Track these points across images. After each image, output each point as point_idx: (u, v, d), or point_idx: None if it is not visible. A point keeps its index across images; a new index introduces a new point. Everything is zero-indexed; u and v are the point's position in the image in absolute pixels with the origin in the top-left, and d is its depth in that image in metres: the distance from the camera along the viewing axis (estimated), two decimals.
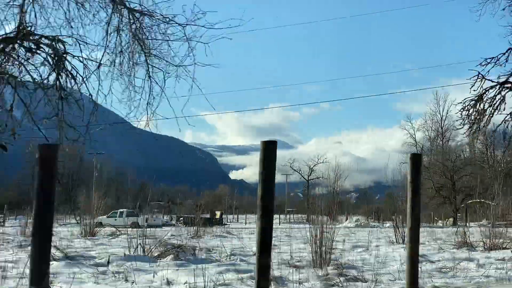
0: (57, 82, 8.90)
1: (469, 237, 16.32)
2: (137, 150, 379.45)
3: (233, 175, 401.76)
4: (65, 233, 24.18)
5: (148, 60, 9.20)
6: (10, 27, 9.10)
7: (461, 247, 15.81)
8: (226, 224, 52.18)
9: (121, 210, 48.36)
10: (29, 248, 4.51)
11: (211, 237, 23.20)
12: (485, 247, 15.70)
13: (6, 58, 8.70)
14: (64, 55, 8.77)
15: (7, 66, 9.00)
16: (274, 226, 4.85)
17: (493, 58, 8.48)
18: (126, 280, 9.14)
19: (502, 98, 8.50)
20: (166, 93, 9.22)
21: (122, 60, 9.44)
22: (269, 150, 4.65)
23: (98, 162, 69.62)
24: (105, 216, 45.11)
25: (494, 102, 8.51)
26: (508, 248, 15.33)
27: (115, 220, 43.83)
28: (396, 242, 18.23)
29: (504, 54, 8.50)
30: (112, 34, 9.24)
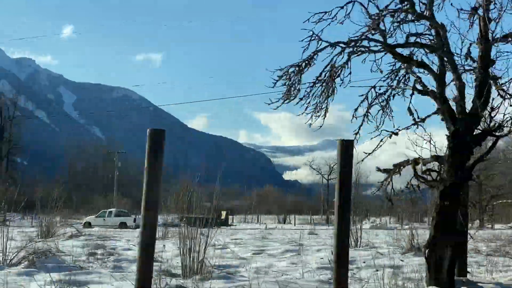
0: None
1: (417, 240, 14.20)
2: (191, 150, 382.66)
3: (287, 175, 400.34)
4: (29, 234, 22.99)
5: None
6: None
7: (408, 251, 13.75)
8: (232, 225, 50.47)
9: (110, 209, 46.42)
10: None
11: (175, 239, 21.66)
12: None
13: None
14: None
15: None
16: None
17: (326, 13, 6.51)
18: None
19: (344, 62, 6.57)
20: None
21: None
22: None
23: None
24: (93, 216, 43.81)
25: (337, 68, 6.59)
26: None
27: (104, 220, 42.27)
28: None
29: (342, 8, 6.54)
30: None
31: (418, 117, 6.79)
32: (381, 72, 6.92)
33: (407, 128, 6.75)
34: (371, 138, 6.94)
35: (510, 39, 6.61)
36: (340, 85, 6.87)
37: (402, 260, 11.50)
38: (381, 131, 6.89)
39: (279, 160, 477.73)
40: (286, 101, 6.64)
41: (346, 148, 5.81)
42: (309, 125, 6.84)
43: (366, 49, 6.55)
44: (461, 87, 6.36)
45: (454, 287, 6.37)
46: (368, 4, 6.56)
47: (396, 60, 6.90)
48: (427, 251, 6.30)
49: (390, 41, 6.71)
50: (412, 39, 6.55)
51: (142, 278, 5.01)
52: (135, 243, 17.31)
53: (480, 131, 6.48)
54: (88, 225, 39.43)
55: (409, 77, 7.05)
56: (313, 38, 6.56)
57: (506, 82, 6.57)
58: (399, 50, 6.73)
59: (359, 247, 16.02)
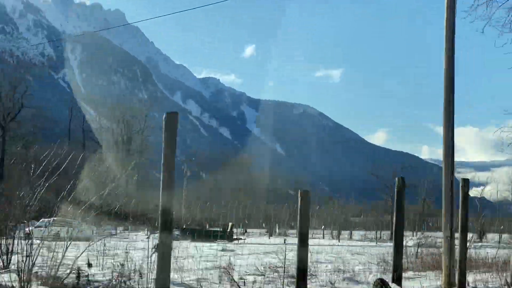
0: None
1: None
2: (368, 164, 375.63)
3: (473, 192, 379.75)
4: None
5: None
6: None
7: None
8: (241, 239, 45.31)
9: (52, 218, 42.35)
10: None
11: None
12: None
13: None
14: None
15: None
16: None
17: None
18: None
19: None
20: None
21: None
22: None
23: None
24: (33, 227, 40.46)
25: None
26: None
27: (41, 230, 38.14)
28: None
29: None
30: None
31: None
32: None
33: None
34: None
35: None
36: None
37: None
38: None
39: (464, 176, 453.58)
40: None
41: None
42: None
43: None
44: None
45: None
46: None
47: None
48: None
49: None
50: None
51: None
52: None
53: None
54: (28, 236, 35.94)
55: None
56: None
57: None
58: None
59: None
